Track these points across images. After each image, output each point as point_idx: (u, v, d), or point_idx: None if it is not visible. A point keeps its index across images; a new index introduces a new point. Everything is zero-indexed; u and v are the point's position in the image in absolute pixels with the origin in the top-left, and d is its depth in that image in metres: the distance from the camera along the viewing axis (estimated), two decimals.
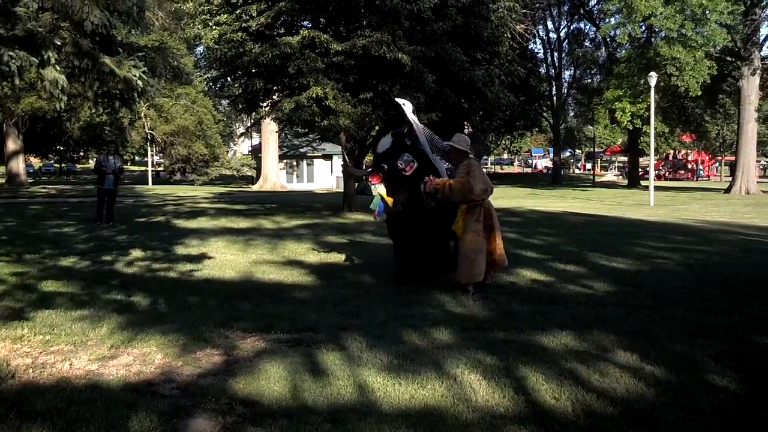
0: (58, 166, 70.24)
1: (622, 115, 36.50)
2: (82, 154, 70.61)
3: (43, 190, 36.18)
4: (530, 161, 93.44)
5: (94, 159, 75.12)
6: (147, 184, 47.42)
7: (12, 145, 42.82)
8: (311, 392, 4.05)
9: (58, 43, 6.11)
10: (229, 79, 20.08)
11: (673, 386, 4.28)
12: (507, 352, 4.95)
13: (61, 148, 62.77)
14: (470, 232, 7.16)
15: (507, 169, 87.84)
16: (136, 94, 7.04)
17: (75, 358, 4.47)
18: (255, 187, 45.28)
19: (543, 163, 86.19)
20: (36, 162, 74.27)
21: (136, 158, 74.95)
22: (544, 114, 58.91)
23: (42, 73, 5.94)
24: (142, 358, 4.58)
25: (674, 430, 3.62)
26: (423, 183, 7.27)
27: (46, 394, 3.70)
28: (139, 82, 6.77)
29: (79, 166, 75.98)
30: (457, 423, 3.67)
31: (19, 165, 43.68)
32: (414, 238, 7.64)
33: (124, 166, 17.54)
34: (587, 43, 56.14)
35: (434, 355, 4.87)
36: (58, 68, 5.95)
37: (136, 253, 10.22)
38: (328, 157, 51.14)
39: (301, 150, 50.56)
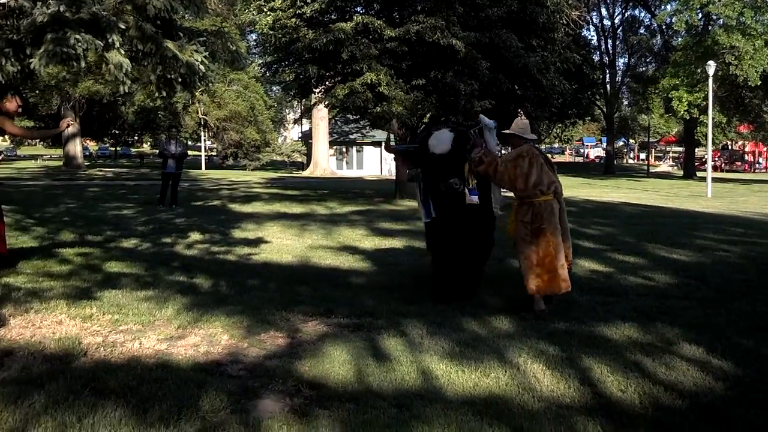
0: (113, 149, 71.80)
1: (678, 105, 35.66)
2: (136, 138, 72.02)
3: (99, 173, 37.08)
4: (582, 150, 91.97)
5: (149, 143, 76.67)
6: (200, 168, 48.17)
7: (70, 128, 43.85)
8: (375, 377, 4.07)
9: (123, 27, 6.19)
10: (283, 65, 20.22)
11: (741, 381, 4.19)
12: (569, 342, 4.90)
13: (116, 132, 64.14)
14: (517, 236, 6.04)
15: (558, 158, 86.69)
16: (197, 78, 7.11)
17: (144, 337, 4.57)
18: (305, 173, 45.59)
19: (595, 152, 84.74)
20: (92, 145, 76.06)
21: (189, 143, 76.07)
22: (597, 102, 57.80)
23: (106, 57, 6.04)
24: (209, 339, 4.67)
25: (745, 425, 3.54)
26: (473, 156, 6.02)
27: (118, 372, 3.80)
28: (201, 67, 6.83)
29: (133, 149, 77.55)
30: (523, 412, 3.65)
31: (76, 148, 44.81)
32: (461, 246, 6.25)
33: (187, 151, 17.86)
34: (642, 31, 54.81)
35: (495, 344, 4.85)
36: (122, 52, 6.04)
37: (195, 236, 10.39)
38: (378, 143, 51.10)
39: (351, 136, 50.62)
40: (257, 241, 9.87)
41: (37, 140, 67.60)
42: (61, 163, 46.72)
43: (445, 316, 5.60)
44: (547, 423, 3.51)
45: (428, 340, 4.87)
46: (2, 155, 61.16)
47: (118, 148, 71.67)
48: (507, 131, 6.28)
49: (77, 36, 5.87)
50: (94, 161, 60.94)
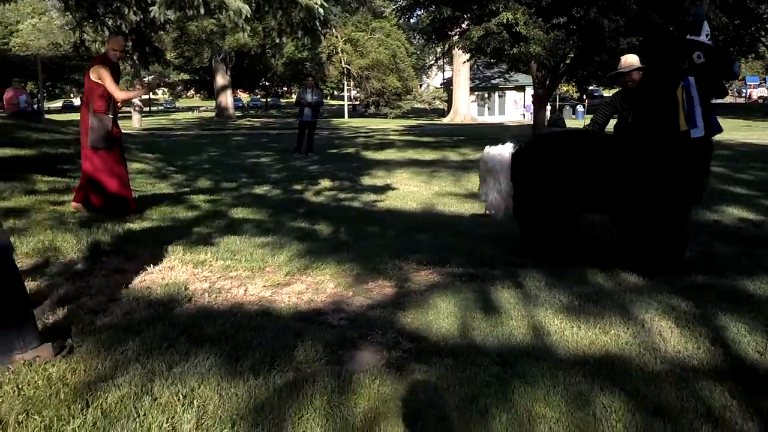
0: (264, 100, 74.33)
1: None
2: (285, 89, 74.10)
3: (248, 123, 38.53)
4: (744, 90, 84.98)
5: (296, 93, 78.81)
6: (343, 117, 48.96)
7: (221, 80, 45.83)
8: (481, 331, 3.83)
9: None
10: (418, 8, 19.82)
11: None
12: (705, 298, 4.42)
13: (267, 84, 66.25)
14: None
15: (716, 99, 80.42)
16: (318, 23, 6.99)
17: (251, 284, 4.55)
18: (446, 120, 45.14)
19: (759, 92, 77.98)
20: (245, 97, 79.16)
21: (335, 92, 77.42)
22: (762, 39, 52.82)
23: (226, 3, 6.02)
24: (315, 287, 4.58)
25: None
26: None
27: (218, 319, 3.77)
28: (320, 10, 6.70)
29: (283, 100, 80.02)
30: (641, 374, 3.29)
31: (227, 99, 46.78)
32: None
33: (323, 100, 18.08)
34: None
35: (621, 299, 4.45)
36: None
37: (325, 182, 10.47)
38: (521, 88, 49.64)
39: (493, 82, 49.42)
40: (384, 188, 9.78)
41: (194, 92, 71.18)
42: (213, 114, 49.01)
43: (569, 267, 5.23)
44: (668, 387, 3.15)
45: (545, 293, 4.55)
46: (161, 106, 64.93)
47: (269, 99, 74.06)
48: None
49: None
50: (247, 112, 63.44)
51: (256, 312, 3.98)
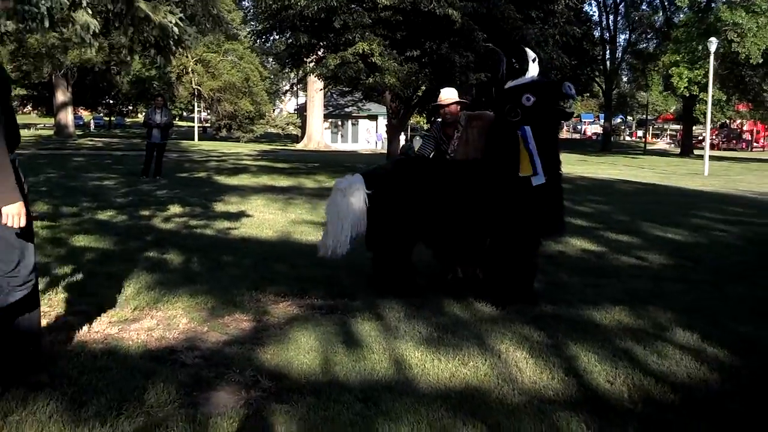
0: (108, 119, 71.00)
1: (678, 81, 35.31)
2: (131, 107, 71.18)
3: (89, 143, 36.55)
4: (579, 127, 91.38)
5: (143, 113, 76.04)
6: (193, 139, 47.65)
7: (61, 96, 43.31)
8: (343, 366, 3.74)
9: None
10: (274, 33, 19.72)
11: (738, 372, 3.91)
12: (556, 327, 4.59)
13: (111, 102, 63.35)
14: None
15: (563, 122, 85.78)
16: (172, 42, 6.71)
17: (95, 320, 4.21)
18: (299, 146, 45.07)
19: (593, 129, 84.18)
20: (86, 115, 75.23)
21: (184, 114, 75.35)
22: (597, 79, 57.23)
23: (73, 17, 5.65)
24: (167, 322, 4.32)
25: (742, 422, 3.26)
26: None
27: (59, 360, 3.45)
28: (175, 29, 6.45)
29: (128, 119, 76.76)
30: (501, 407, 3.33)
31: (67, 117, 44.22)
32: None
33: (173, 121, 17.40)
34: (644, 7, 54.14)
35: (477, 329, 4.53)
36: (90, 11, 5.64)
37: (175, 208, 10.03)
38: (374, 117, 50.61)
39: (347, 110, 50.08)
40: (238, 215, 9.51)
41: (31, 108, 66.79)
42: (53, 132, 46.13)
43: (426, 297, 5.27)
44: (527, 419, 3.21)
45: (405, 324, 4.55)
46: None
47: (112, 118, 70.81)
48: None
49: None
50: (87, 131, 60.23)
51: (101, 351, 3.68)
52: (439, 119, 6.15)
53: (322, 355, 3.89)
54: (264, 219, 9.33)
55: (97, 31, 5.95)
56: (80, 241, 6.77)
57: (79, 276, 5.20)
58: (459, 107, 5.94)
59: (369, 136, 51.48)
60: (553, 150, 5.22)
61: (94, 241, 6.88)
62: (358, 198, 5.27)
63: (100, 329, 4.08)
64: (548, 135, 5.17)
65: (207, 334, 4.18)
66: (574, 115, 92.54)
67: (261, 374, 3.54)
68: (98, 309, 4.44)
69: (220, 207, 10.43)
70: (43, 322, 4.05)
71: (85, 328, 4.07)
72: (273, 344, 4.01)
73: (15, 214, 2.87)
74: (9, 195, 2.83)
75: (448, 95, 5.94)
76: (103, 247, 6.63)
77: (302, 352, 3.90)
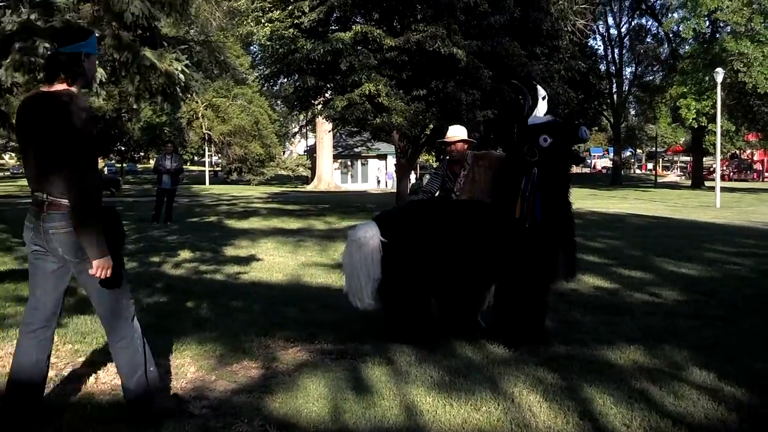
0: (119, 166, 71.67)
1: (686, 113, 35.33)
2: (142, 154, 71.82)
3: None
4: (589, 161, 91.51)
5: (155, 159, 76.74)
6: (204, 183, 47.97)
7: None
8: (353, 413, 3.67)
9: (98, 35, 5.87)
10: (281, 76, 19.96)
11: (756, 411, 3.79)
12: (570, 369, 4.49)
13: (122, 148, 63.99)
14: None
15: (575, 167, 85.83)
16: (178, 89, 6.77)
17: (102, 370, 4.17)
18: (309, 187, 45.31)
19: (602, 162, 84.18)
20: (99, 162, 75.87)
21: (195, 158, 75.99)
22: (604, 113, 57.41)
23: None
24: (174, 372, 4.27)
25: None
26: None
27: (65, 412, 3.41)
28: (181, 76, 6.51)
29: (140, 166, 77.43)
30: None
31: None
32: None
33: (183, 166, 17.52)
34: (649, 39, 54.46)
35: (489, 372, 4.44)
36: (96, 61, 5.71)
37: (185, 254, 10.03)
38: (383, 156, 50.88)
39: (356, 150, 50.39)
40: (248, 259, 9.49)
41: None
42: None
43: (437, 339, 5.19)
44: None
45: (416, 369, 4.47)
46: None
47: (124, 165, 71.48)
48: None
49: (46, 44, 5.56)
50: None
51: (107, 402, 3.63)
52: (447, 157, 6.15)
53: (331, 402, 3.82)
54: (274, 262, 9.31)
55: (104, 80, 6.01)
56: None
57: (88, 325, 5.17)
58: (466, 145, 5.93)
59: (380, 174, 51.70)
60: (564, 193, 5.18)
61: None
62: (373, 248, 5.16)
63: (107, 380, 4.03)
64: (561, 177, 5.15)
65: (215, 382, 4.12)
66: (583, 149, 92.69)
67: (269, 424, 3.48)
68: (105, 359, 4.39)
69: (230, 251, 10.43)
70: (50, 374, 4.02)
71: (92, 379, 4.03)
72: (282, 392, 3.94)
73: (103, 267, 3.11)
74: (99, 250, 3.07)
75: (455, 133, 5.94)
76: None
77: (311, 399, 3.84)
